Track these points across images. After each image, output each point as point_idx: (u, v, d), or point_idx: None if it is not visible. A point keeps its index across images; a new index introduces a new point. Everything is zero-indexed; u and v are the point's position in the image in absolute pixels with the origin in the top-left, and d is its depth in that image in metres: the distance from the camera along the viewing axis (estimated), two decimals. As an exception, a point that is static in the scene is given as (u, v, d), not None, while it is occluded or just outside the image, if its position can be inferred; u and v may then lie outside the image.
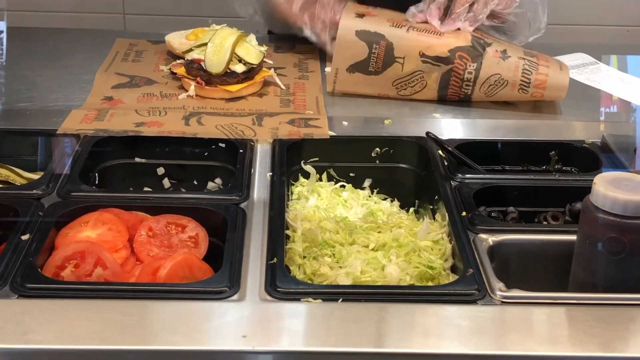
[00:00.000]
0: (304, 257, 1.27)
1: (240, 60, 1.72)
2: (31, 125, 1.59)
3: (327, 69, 1.80)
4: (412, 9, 1.73)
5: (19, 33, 1.99)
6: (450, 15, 1.70)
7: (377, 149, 1.55)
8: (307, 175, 1.51)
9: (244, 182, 1.39)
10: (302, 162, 1.53)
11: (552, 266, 1.27)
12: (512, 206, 1.41)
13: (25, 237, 1.22)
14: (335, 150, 1.55)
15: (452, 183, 1.42)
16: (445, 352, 1.04)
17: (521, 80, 1.69)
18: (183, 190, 1.54)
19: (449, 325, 1.08)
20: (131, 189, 1.53)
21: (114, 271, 1.20)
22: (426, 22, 1.72)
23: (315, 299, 1.11)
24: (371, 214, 1.42)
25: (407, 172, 1.55)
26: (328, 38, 1.85)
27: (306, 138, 1.55)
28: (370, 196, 1.52)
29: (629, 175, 1.16)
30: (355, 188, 1.53)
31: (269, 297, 1.11)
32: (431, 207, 1.43)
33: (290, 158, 1.49)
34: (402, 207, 1.51)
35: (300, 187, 1.49)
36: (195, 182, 1.55)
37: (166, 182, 1.55)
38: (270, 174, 1.43)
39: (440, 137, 1.52)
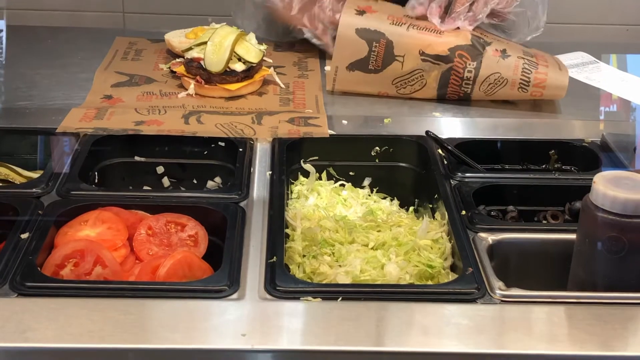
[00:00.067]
0: (304, 255, 1.27)
1: (239, 59, 1.72)
2: (30, 124, 1.59)
3: (327, 68, 1.80)
4: (413, 1, 1.72)
5: (18, 31, 1.99)
6: (451, 14, 1.70)
7: (377, 147, 1.55)
8: (306, 174, 1.51)
9: (244, 180, 1.39)
10: (301, 161, 1.53)
11: (552, 265, 1.27)
12: (512, 205, 1.41)
13: (24, 236, 1.22)
14: (334, 149, 1.55)
15: (452, 182, 1.42)
16: (444, 351, 1.04)
17: (521, 80, 1.69)
18: (183, 189, 1.54)
19: (449, 324, 1.08)
20: (131, 187, 1.53)
21: (114, 270, 1.20)
22: (425, 16, 1.71)
23: (314, 297, 1.11)
24: (371, 212, 1.42)
25: (407, 171, 1.55)
26: (329, 39, 1.85)
27: (306, 137, 1.55)
28: (369, 195, 1.52)
29: (629, 174, 1.15)
30: (355, 187, 1.53)
31: (268, 296, 1.11)
32: (431, 206, 1.43)
33: (290, 157, 1.49)
34: (401, 206, 1.51)
35: (300, 186, 1.49)
36: (195, 181, 1.55)
37: (166, 181, 1.55)
38: (270, 172, 1.43)
39: (439, 136, 1.52)
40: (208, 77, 1.71)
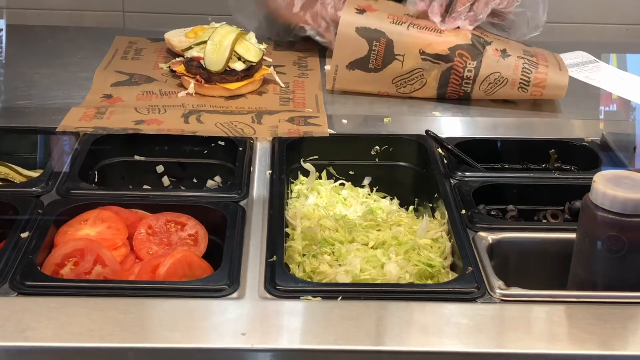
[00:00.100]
0: (304, 255, 1.27)
1: (239, 58, 1.72)
2: (30, 123, 1.59)
3: (327, 67, 1.80)
4: None
5: (18, 31, 1.99)
6: (451, 14, 1.70)
7: (377, 147, 1.55)
8: (306, 173, 1.51)
9: (244, 180, 1.39)
10: (301, 160, 1.53)
11: (552, 264, 1.27)
12: (512, 204, 1.41)
13: (24, 235, 1.22)
14: (334, 149, 1.55)
15: (452, 181, 1.42)
16: (444, 350, 1.04)
17: (520, 79, 1.69)
18: (182, 188, 1.54)
19: (449, 323, 1.08)
20: (130, 186, 1.53)
21: (113, 269, 1.20)
22: (426, 12, 1.71)
23: (314, 296, 1.11)
24: (371, 212, 1.42)
25: (407, 170, 1.55)
26: (332, 37, 1.85)
27: (306, 136, 1.55)
28: (369, 194, 1.52)
29: (629, 174, 1.15)
30: (355, 186, 1.53)
31: (268, 295, 1.11)
32: (430, 205, 1.43)
33: (290, 156, 1.49)
34: (401, 205, 1.51)
35: (300, 185, 1.49)
36: (195, 180, 1.55)
37: (165, 180, 1.55)
38: (270, 172, 1.43)
39: (439, 135, 1.52)
40: (208, 77, 1.71)
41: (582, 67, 1.92)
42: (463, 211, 1.32)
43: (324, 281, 1.22)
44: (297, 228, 1.31)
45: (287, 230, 1.30)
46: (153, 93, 1.73)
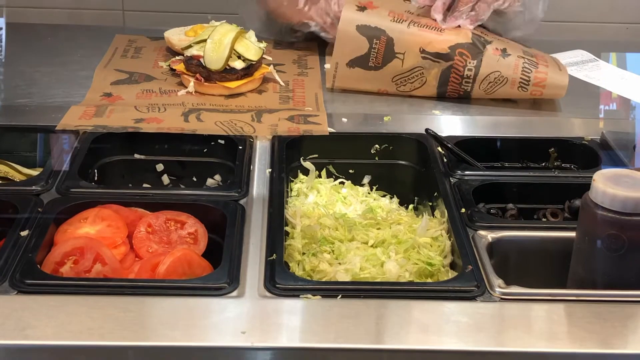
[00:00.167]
0: (303, 253, 1.27)
1: (239, 57, 1.72)
2: (30, 122, 1.59)
3: (327, 66, 1.79)
4: None
5: (18, 29, 1.98)
6: (453, 13, 1.70)
7: (377, 145, 1.55)
8: (306, 172, 1.51)
9: (243, 178, 1.39)
10: (301, 159, 1.53)
11: (551, 263, 1.27)
12: (512, 203, 1.41)
13: (24, 233, 1.22)
14: (334, 147, 1.55)
15: (452, 180, 1.42)
16: (444, 349, 1.04)
17: (520, 78, 1.69)
18: (182, 186, 1.54)
19: (448, 321, 1.08)
20: (130, 185, 1.53)
21: (113, 267, 1.20)
22: (429, 6, 1.71)
23: (314, 295, 1.11)
24: (370, 210, 1.42)
25: (407, 169, 1.55)
26: None
27: (305, 135, 1.55)
28: (369, 193, 1.52)
29: (629, 172, 1.15)
30: (355, 185, 1.53)
31: (268, 294, 1.11)
32: (430, 203, 1.43)
33: (290, 155, 1.49)
34: (401, 203, 1.51)
35: (300, 184, 1.49)
36: (195, 179, 1.55)
37: (165, 179, 1.55)
38: (270, 170, 1.43)
39: (439, 133, 1.52)
40: (208, 75, 1.71)
41: (582, 65, 1.91)
42: (463, 210, 1.32)
43: (323, 280, 1.22)
44: (297, 227, 1.31)
45: (287, 228, 1.30)
46: (153, 91, 1.73)
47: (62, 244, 1.21)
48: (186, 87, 1.74)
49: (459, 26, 1.71)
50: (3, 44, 1.73)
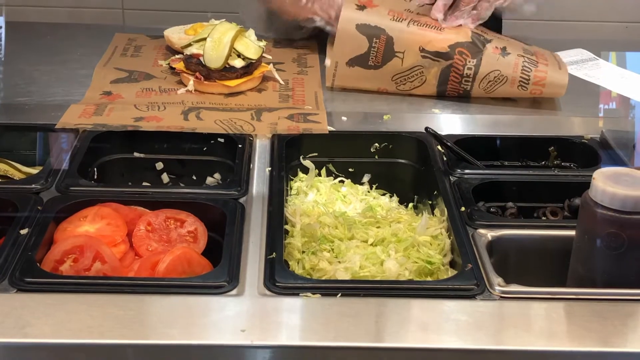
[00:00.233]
0: (303, 252, 1.27)
1: (239, 55, 1.72)
2: (30, 120, 1.59)
3: (327, 62, 1.79)
4: None
5: (17, 28, 1.99)
6: (454, 12, 1.70)
7: (376, 144, 1.55)
8: (306, 171, 1.51)
9: (243, 177, 1.39)
10: (301, 157, 1.53)
11: (551, 261, 1.27)
12: (511, 201, 1.41)
13: (24, 232, 1.22)
14: (334, 146, 1.55)
15: (451, 178, 1.42)
16: (443, 347, 1.04)
17: (520, 77, 1.69)
18: (182, 185, 1.54)
19: (448, 320, 1.08)
20: (130, 183, 1.53)
21: (113, 266, 1.20)
22: (429, 5, 1.71)
23: (314, 293, 1.11)
24: (370, 209, 1.42)
25: (406, 168, 1.55)
26: None
27: (305, 133, 1.55)
28: (369, 191, 1.52)
29: (628, 171, 1.15)
30: (354, 183, 1.53)
31: (267, 292, 1.11)
32: (430, 202, 1.43)
33: (289, 153, 1.49)
34: (401, 202, 1.51)
35: (299, 182, 1.49)
36: (194, 177, 1.55)
37: (165, 177, 1.55)
38: (269, 169, 1.43)
39: (439, 132, 1.52)
40: (207, 74, 1.71)
41: (581, 64, 1.91)
42: (462, 208, 1.32)
43: (323, 278, 1.22)
44: (297, 225, 1.31)
45: (287, 227, 1.30)
46: (152, 90, 1.73)
47: (62, 242, 1.21)
48: (186, 86, 1.74)
49: (460, 25, 1.71)
50: (3, 42, 1.73)
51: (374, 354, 1.04)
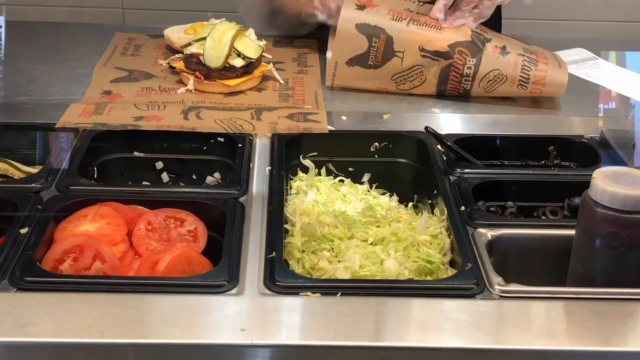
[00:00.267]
0: (303, 251, 1.27)
1: (239, 55, 1.72)
2: (30, 119, 1.59)
3: (329, 54, 1.78)
4: None
5: (18, 27, 1.99)
6: (454, 12, 1.70)
7: (376, 143, 1.55)
8: (305, 170, 1.51)
9: (243, 176, 1.39)
10: (300, 157, 1.53)
11: (551, 261, 1.27)
12: (511, 201, 1.41)
13: (24, 231, 1.22)
14: (334, 145, 1.55)
15: (451, 178, 1.42)
16: (443, 346, 1.04)
17: (520, 76, 1.69)
18: (182, 184, 1.54)
19: (448, 319, 1.08)
20: (130, 183, 1.53)
21: (113, 265, 1.20)
22: (430, 4, 1.71)
23: (314, 293, 1.11)
24: (370, 208, 1.42)
25: (406, 167, 1.55)
26: None
27: (305, 132, 1.55)
28: (369, 191, 1.52)
29: (628, 170, 1.15)
30: (354, 182, 1.53)
31: (267, 291, 1.11)
32: (430, 201, 1.43)
33: (289, 152, 1.49)
34: (400, 201, 1.51)
35: (299, 182, 1.49)
36: (194, 177, 1.55)
37: (165, 177, 1.55)
38: (269, 168, 1.43)
39: (439, 131, 1.52)
40: (207, 73, 1.71)
41: (581, 64, 1.92)
42: (462, 208, 1.32)
43: (323, 277, 1.22)
44: (297, 224, 1.31)
45: (287, 226, 1.30)
46: (152, 89, 1.73)
47: (62, 241, 1.21)
48: (186, 85, 1.74)
49: (463, 24, 1.71)
50: (3, 41, 1.74)
51: (374, 353, 1.04)
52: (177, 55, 1.84)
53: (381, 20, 1.71)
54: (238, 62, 1.71)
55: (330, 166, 1.54)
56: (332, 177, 1.53)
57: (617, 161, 1.48)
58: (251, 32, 1.78)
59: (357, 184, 1.52)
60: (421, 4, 1.75)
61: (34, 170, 1.47)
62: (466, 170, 1.44)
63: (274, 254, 1.18)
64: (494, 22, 1.84)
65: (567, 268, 1.19)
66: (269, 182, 1.39)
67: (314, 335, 1.05)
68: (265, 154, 1.48)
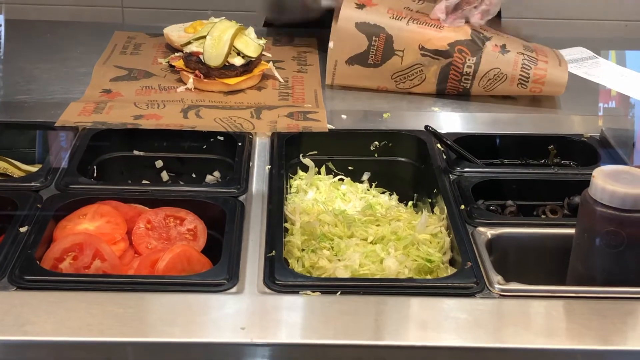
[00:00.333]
0: (303, 250, 1.27)
1: (238, 54, 1.72)
2: (30, 118, 1.59)
3: (331, 44, 1.77)
4: None
5: (17, 26, 1.99)
6: (455, 12, 1.70)
7: (376, 142, 1.55)
8: (305, 169, 1.51)
9: (243, 175, 1.39)
10: (300, 156, 1.53)
11: (551, 259, 1.27)
12: (511, 200, 1.41)
13: (23, 230, 1.22)
14: (333, 144, 1.55)
15: (451, 176, 1.42)
16: (443, 345, 1.04)
17: (520, 75, 1.69)
18: (181, 183, 1.54)
19: (447, 318, 1.08)
20: (129, 181, 1.53)
21: (112, 263, 1.20)
22: (430, 3, 1.71)
23: (313, 291, 1.11)
24: (370, 207, 1.42)
25: (406, 166, 1.55)
26: None
27: (305, 131, 1.55)
28: (368, 189, 1.52)
29: (628, 169, 1.16)
30: (354, 181, 1.53)
31: (267, 290, 1.11)
32: (430, 200, 1.43)
33: (289, 151, 1.49)
34: (400, 200, 1.51)
35: (299, 181, 1.49)
36: (194, 175, 1.55)
37: (165, 175, 1.55)
38: (269, 167, 1.43)
39: (439, 130, 1.52)
40: (207, 72, 1.71)
41: (581, 62, 1.91)
42: (462, 206, 1.32)
43: (323, 276, 1.22)
44: (296, 223, 1.31)
45: (286, 225, 1.30)
46: (152, 88, 1.73)
47: (61, 240, 1.21)
48: (185, 84, 1.73)
49: (467, 22, 1.71)
50: (2, 40, 1.73)
51: (374, 352, 1.04)
52: (176, 54, 1.84)
53: (381, 19, 1.71)
54: (238, 61, 1.71)
55: (330, 165, 1.54)
56: (331, 176, 1.53)
57: (617, 160, 1.48)
58: (251, 31, 1.78)
59: (357, 183, 1.52)
60: (421, 2, 1.75)
61: (33, 169, 1.47)
62: (466, 169, 1.44)
63: (273, 252, 1.18)
64: (494, 21, 1.84)
65: (567, 267, 1.19)
66: (268, 181, 1.39)
67: (313, 334, 1.05)
68: (265, 152, 1.48)
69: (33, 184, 1.35)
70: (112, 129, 1.53)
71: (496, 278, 1.14)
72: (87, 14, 2.62)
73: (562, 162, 1.55)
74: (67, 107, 1.61)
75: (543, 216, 1.39)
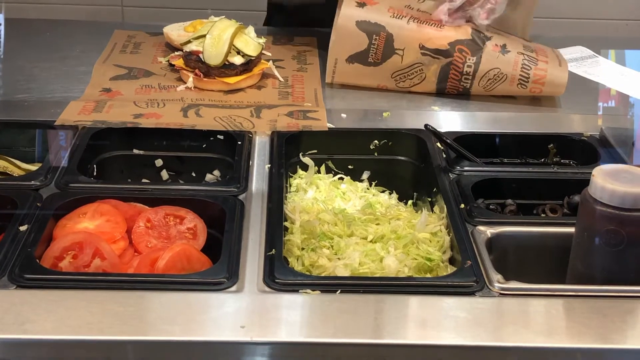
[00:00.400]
0: (303, 248, 1.27)
1: (238, 52, 1.72)
2: (29, 117, 1.59)
3: (331, 42, 1.77)
4: None
5: (17, 24, 1.99)
6: (456, 13, 1.70)
7: (376, 141, 1.55)
8: (305, 168, 1.51)
9: (242, 174, 1.39)
10: (300, 154, 1.53)
11: (550, 258, 1.27)
12: (511, 198, 1.42)
13: (23, 228, 1.22)
14: (333, 143, 1.55)
15: (451, 175, 1.42)
16: (442, 344, 1.04)
17: (520, 75, 1.69)
18: (181, 182, 1.54)
19: (447, 316, 1.08)
20: (129, 180, 1.53)
21: (112, 262, 1.20)
22: (431, 2, 1.71)
23: (313, 290, 1.11)
24: (369, 206, 1.42)
25: (406, 165, 1.55)
26: None
27: (304, 130, 1.55)
28: (368, 188, 1.52)
29: (628, 168, 1.16)
30: (354, 180, 1.53)
31: (267, 288, 1.11)
32: (429, 199, 1.43)
33: (289, 150, 1.49)
34: (400, 199, 1.51)
35: (299, 179, 1.49)
36: (194, 174, 1.55)
37: (164, 174, 1.55)
38: (269, 165, 1.43)
39: (438, 129, 1.52)
40: (207, 71, 1.71)
41: (581, 62, 1.92)
42: (462, 205, 1.32)
43: (322, 275, 1.22)
44: (296, 222, 1.31)
45: (286, 224, 1.30)
46: (152, 87, 1.73)
47: (61, 238, 1.21)
48: (185, 83, 1.73)
49: (472, 22, 1.71)
50: (2, 39, 1.74)
51: (373, 350, 1.04)
52: (176, 53, 1.84)
53: (381, 17, 1.71)
54: (237, 60, 1.71)
55: (330, 164, 1.54)
56: (331, 175, 1.53)
57: (616, 159, 1.48)
58: (251, 30, 1.78)
59: (357, 182, 1.52)
60: (422, 0, 1.75)
61: (33, 167, 1.47)
62: (466, 168, 1.44)
63: (273, 251, 1.18)
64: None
65: (567, 265, 1.19)
66: (268, 180, 1.39)
67: (313, 332, 1.05)
68: (265, 151, 1.48)
69: (33, 182, 1.35)
70: (111, 127, 1.53)
71: (496, 277, 1.14)
72: (86, 12, 2.62)
73: (561, 161, 1.55)
74: (66, 106, 1.61)
75: (543, 215, 1.39)
